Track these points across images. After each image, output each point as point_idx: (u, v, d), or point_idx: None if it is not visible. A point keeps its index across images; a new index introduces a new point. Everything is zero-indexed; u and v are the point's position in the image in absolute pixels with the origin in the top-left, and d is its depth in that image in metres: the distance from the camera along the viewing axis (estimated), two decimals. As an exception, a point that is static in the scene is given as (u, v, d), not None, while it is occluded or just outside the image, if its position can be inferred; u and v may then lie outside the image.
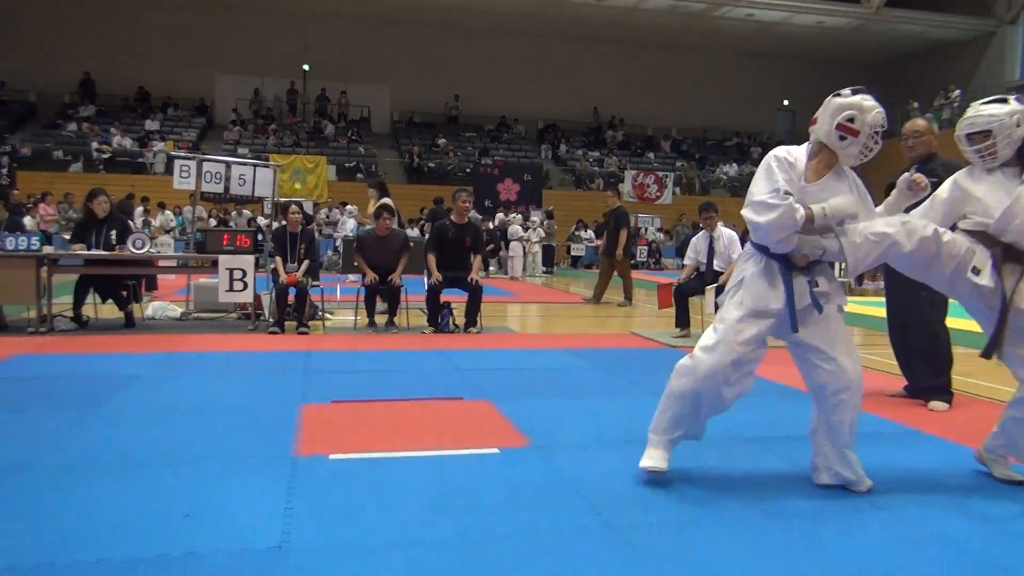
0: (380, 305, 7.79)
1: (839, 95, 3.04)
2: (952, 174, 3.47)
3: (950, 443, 3.84)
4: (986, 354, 3.11)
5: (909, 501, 2.95)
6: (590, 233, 21.98)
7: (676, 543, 2.52)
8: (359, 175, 23.73)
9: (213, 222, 17.54)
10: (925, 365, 4.73)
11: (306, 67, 26.86)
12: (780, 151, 3.02)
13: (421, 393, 4.69)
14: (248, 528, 2.55)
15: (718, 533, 2.61)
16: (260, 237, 10.51)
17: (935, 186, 3.27)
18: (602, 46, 28.36)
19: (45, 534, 2.48)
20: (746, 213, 2.99)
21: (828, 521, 2.74)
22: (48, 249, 7.54)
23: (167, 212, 18.03)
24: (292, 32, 26.07)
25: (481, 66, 27.75)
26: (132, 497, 2.82)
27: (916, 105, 24.20)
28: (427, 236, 8.96)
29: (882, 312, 5.31)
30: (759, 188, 2.95)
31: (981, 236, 3.08)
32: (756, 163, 28.31)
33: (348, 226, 15.90)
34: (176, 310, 8.22)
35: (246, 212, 17.44)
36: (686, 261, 7.74)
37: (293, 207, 7.76)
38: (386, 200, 9.03)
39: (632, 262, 21.11)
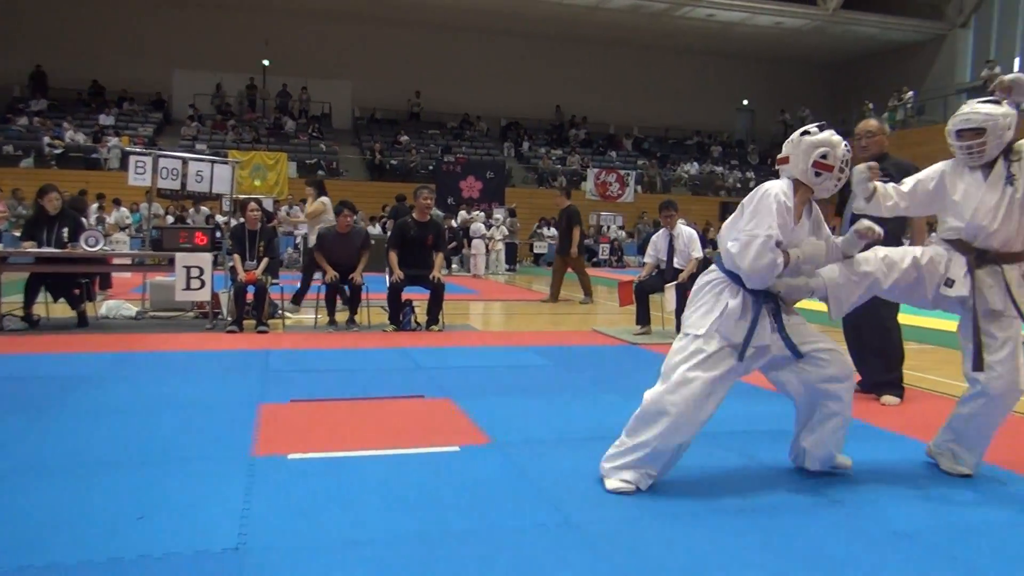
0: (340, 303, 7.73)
1: (808, 133, 3.06)
2: (904, 174, 3.56)
3: (902, 436, 3.93)
4: (977, 367, 3.15)
5: (863, 494, 3.02)
6: (553, 231, 22.02)
7: (634, 539, 2.55)
8: (320, 172, 23.49)
9: (171, 219, 17.23)
10: (878, 361, 4.84)
11: (266, 62, 26.49)
12: (780, 193, 2.94)
13: (382, 392, 4.67)
14: (204, 530, 2.52)
15: (675, 529, 2.64)
16: (218, 235, 10.36)
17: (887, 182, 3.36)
18: (565, 44, 28.45)
19: (-8, 539, 2.42)
20: (733, 248, 2.93)
21: (784, 515, 2.79)
22: (-3, 246, 7.34)
23: (123, 209, 17.67)
24: (252, 26, 25.70)
25: (444, 63, 27.64)
26: (84, 499, 2.77)
27: (871, 105, 24.68)
28: (389, 234, 8.91)
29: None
30: (751, 227, 2.89)
31: (957, 244, 3.19)
32: (716, 162, 28.80)
33: (309, 223, 15.73)
34: (131, 309, 8.06)
35: (204, 209, 17.17)
36: (646, 259, 7.81)
37: (252, 204, 7.66)
38: (324, 199, 8.94)
39: (594, 260, 21.41)
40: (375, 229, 17.17)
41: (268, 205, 13.13)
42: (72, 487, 2.90)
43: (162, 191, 8.34)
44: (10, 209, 16.49)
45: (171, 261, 7.04)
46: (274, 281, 7.63)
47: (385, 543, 2.46)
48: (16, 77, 23.83)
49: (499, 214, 19.46)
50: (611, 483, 2.99)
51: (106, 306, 8.00)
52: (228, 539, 2.44)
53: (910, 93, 24.67)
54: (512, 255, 19.21)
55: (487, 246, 17.05)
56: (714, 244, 15.81)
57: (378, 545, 2.44)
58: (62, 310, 7.54)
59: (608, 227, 22.88)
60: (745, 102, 31.81)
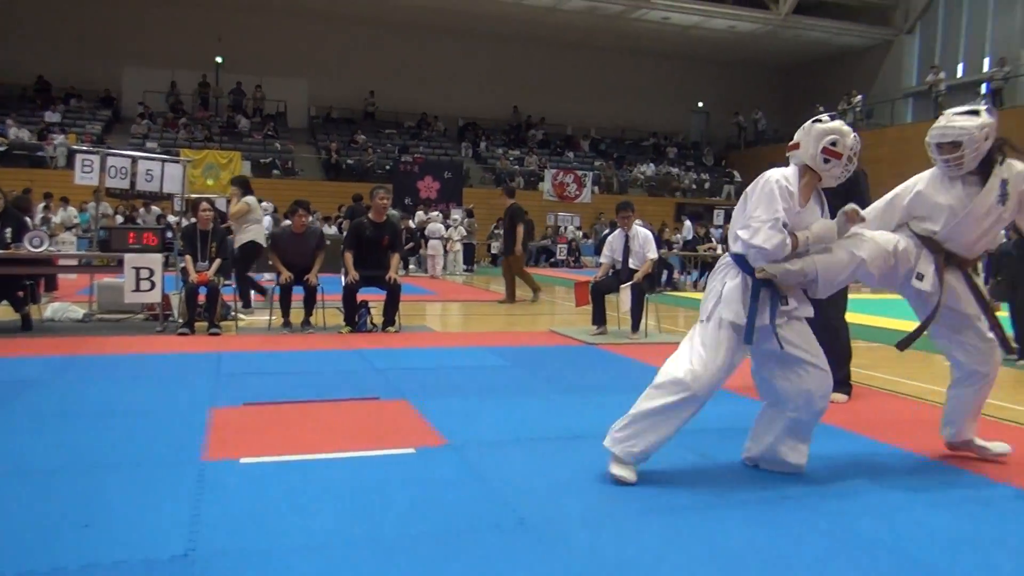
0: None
1: (820, 121, 3.17)
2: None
3: (849, 433, 4.02)
4: (901, 346, 3.41)
5: (811, 490, 3.08)
6: (510, 231, 22.06)
7: (590, 539, 2.56)
8: (275, 171, 23.19)
9: (120, 219, 16.84)
10: (826, 359, 4.93)
11: (219, 59, 26.06)
12: (782, 178, 3.07)
13: (337, 394, 4.63)
14: (152, 537, 2.47)
15: (629, 527, 2.67)
16: (170, 235, 10.17)
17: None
18: (522, 45, 28.52)
19: (-71, 550, 2.34)
20: (743, 234, 3.06)
21: (736, 512, 2.83)
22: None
23: (70, 208, 17.22)
24: (204, 23, 25.25)
25: (401, 62, 27.49)
26: (27, 507, 2.69)
27: (822, 109, 25.04)
28: (345, 234, 8.83)
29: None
30: (759, 213, 3.03)
31: (928, 241, 3.31)
32: (672, 163, 29.15)
33: (263, 223, 15.52)
34: (78, 311, 7.86)
35: (155, 209, 16.83)
36: (602, 259, 7.86)
37: (204, 204, 7.52)
38: (249, 199, 8.69)
39: (552, 260, 21.50)
40: (331, 229, 17.00)
41: (221, 205, 12.90)
42: (14, 494, 2.82)
43: (110, 190, 8.16)
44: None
45: (120, 262, 6.88)
46: (227, 282, 7.51)
47: (338, 547, 2.44)
48: (-43, 72, 23.11)
49: (457, 214, 19.42)
50: (616, 469, 3.08)
51: (51, 308, 7.79)
52: (177, 546, 2.40)
53: (859, 97, 25.26)
54: (470, 256, 19.19)
55: (445, 247, 17.00)
56: (669, 245, 16.01)
57: (331, 549, 2.42)
58: (5, 313, 7.32)
59: (565, 227, 22.98)
60: (700, 104, 32.24)
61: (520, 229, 10.50)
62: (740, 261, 3.13)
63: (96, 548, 2.37)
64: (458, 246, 18.02)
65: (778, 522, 2.75)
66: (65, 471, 3.10)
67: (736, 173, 28.85)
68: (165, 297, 7.29)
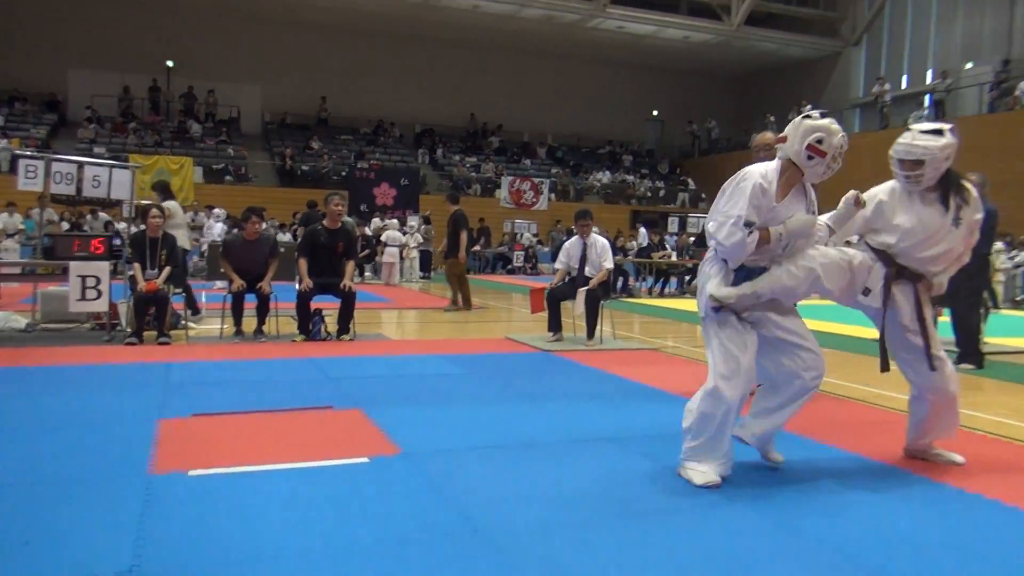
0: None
1: (809, 117, 3.22)
2: None
3: (797, 437, 4.09)
4: (884, 369, 3.47)
5: (761, 493, 3.13)
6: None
7: (542, 545, 2.57)
8: (228, 177, 22.84)
9: (66, 225, 16.41)
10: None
11: (170, 63, 25.60)
12: (758, 176, 3.15)
13: (289, 404, 4.57)
14: (96, 553, 2.40)
15: (583, 534, 2.68)
16: (118, 242, 9.94)
17: None
18: (479, 52, 28.58)
19: None
20: (710, 226, 3.21)
21: (686, 516, 2.86)
22: None
23: (16, 215, 16.73)
24: (154, 26, 24.79)
25: (357, 68, 27.34)
26: (-38, 526, 2.60)
27: (772, 118, 25.72)
28: (299, 241, 8.72)
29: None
30: (727, 208, 3.14)
31: (881, 255, 3.39)
32: (628, 171, 29.44)
33: (215, 230, 15.29)
34: (21, 321, 7.62)
35: (103, 215, 16.43)
36: (557, 265, 7.90)
37: (154, 211, 7.37)
38: (170, 203, 8.49)
39: (509, 267, 21.52)
40: (285, 236, 16.80)
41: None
42: (-51, 512, 2.72)
43: (56, 196, 7.94)
44: None
45: (65, 270, 6.71)
46: (177, 291, 7.37)
47: (289, 559, 2.40)
48: None
49: (413, 221, 19.32)
50: (696, 476, 3.19)
51: (-8, 318, 7.55)
52: (122, 562, 2.34)
53: (808, 106, 25.70)
54: (426, 263, 19.11)
55: (401, 254, 16.90)
56: (624, 252, 16.15)
57: (281, 561, 2.39)
58: (-57, 323, 7.08)
59: (522, 235, 23.05)
60: (655, 113, 32.66)
61: (463, 236, 10.50)
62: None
63: (36, 566, 2.30)
64: (414, 253, 17.94)
65: (728, 524, 2.79)
66: (5, 486, 3.01)
67: (690, 181, 29.27)
68: (112, 306, 7.12)
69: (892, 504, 3.06)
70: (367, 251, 16.62)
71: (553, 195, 25.48)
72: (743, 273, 3.20)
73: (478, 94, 29.15)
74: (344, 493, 3.01)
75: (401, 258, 16.51)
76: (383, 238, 16.65)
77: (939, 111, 21.26)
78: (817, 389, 3.38)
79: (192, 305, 8.44)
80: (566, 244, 7.84)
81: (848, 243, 3.54)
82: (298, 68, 26.60)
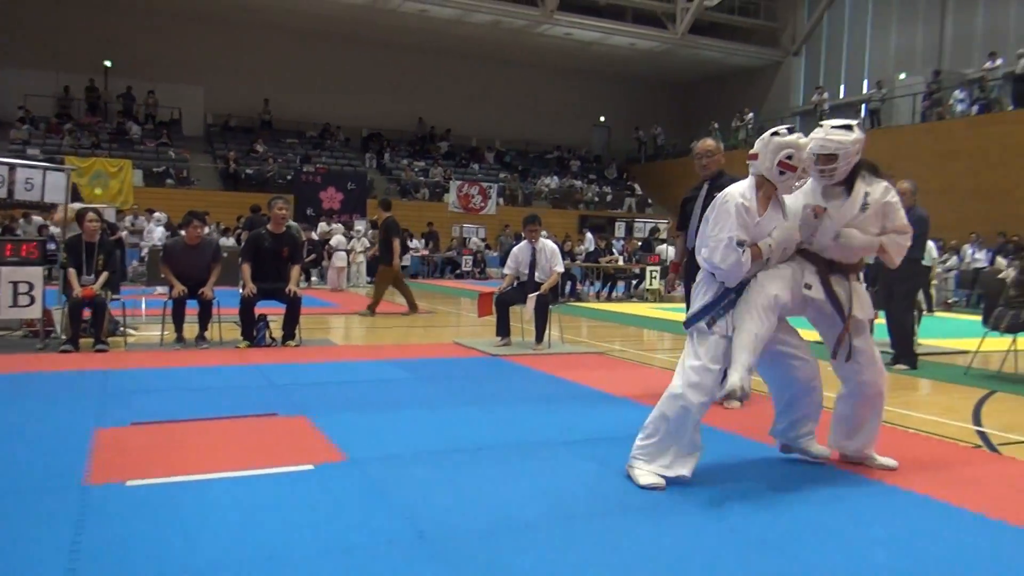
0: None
1: (777, 134, 3.35)
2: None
3: (743, 438, 4.18)
4: (834, 354, 3.57)
5: (705, 493, 3.18)
6: (416, 243, 21.97)
7: (488, 550, 2.57)
8: (169, 180, 22.32)
9: (-3, 229, 15.82)
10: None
11: (108, 63, 24.92)
12: (739, 196, 3.29)
13: (232, 411, 4.48)
14: (26, 568, 2.32)
15: (527, 537, 2.68)
16: (53, 247, 9.64)
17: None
18: (427, 56, 28.50)
19: None
20: (704, 253, 3.30)
21: (631, 517, 2.90)
22: None
23: (-58, 218, 16.08)
24: (91, 25, 24.12)
25: (303, 70, 27.01)
26: None
27: (716, 125, 26.23)
28: (242, 245, 8.57)
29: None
30: (716, 232, 3.25)
31: (807, 254, 3.49)
32: (575, 176, 29.68)
33: (155, 234, 14.94)
34: (-52, 328, 7.34)
35: (36, 219, 15.89)
36: (506, 271, 7.91)
37: (91, 214, 7.16)
38: (71, 204, 8.22)
39: (457, 272, 21.46)
40: (229, 241, 16.48)
41: (109, 216, 12.31)
42: None
43: (-15, 199, 7.65)
44: None
45: (-5, 276, 6.47)
46: (115, 296, 7.17)
47: (229, 570, 2.35)
48: None
49: (360, 226, 19.15)
50: (641, 476, 3.25)
51: (-82, 326, 7.25)
52: (54, 576, 2.26)
53: (750, 114, 26.45)
54: (374, 267, 18.92)
55: (348, 258, 16.73)
56: (572, 257, 16.27)
57: (221, 572, 2.34)
58: None
59: (470, 239, 23.04)
60: (602, 119, 33.00)
61: (396, 243, 10.44)
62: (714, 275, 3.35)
63: (-38, 583, 2.22)
64: (361, 258, 17.77)
65: (673, 525, 2.83)
66: (-71, 501, 2.88)
67: (637, 186, 29.64)
68: (47, 312, 6.90)
69: (829, 503, 3.14)
70: (313, 256, 16.41)
71: (501, 200, 25.55)
72: (731, 290, 3.30)
73: (426, 98, 29.07)
74: (288, 501, 2.97)
75: (348, 263, 16.35)
76: (331, 242, 16.47)
77: (875, 120, 21.94)
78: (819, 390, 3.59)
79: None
80: (514, 249, 7.86)
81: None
82: (242, 69, 26.16)
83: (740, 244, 3.20)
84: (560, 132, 31.49)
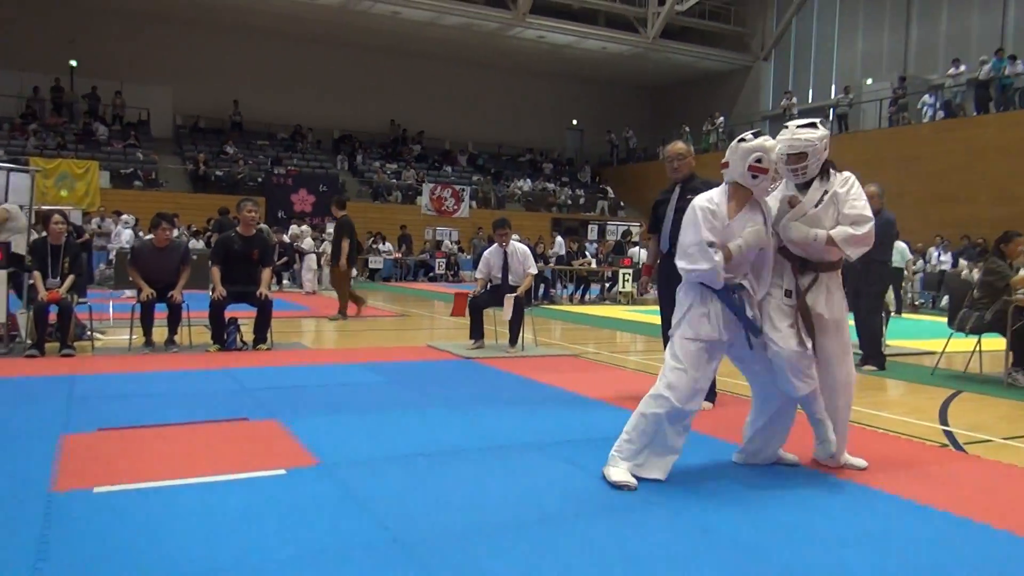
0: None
1: (744, 140, 3.39)
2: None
3: (713, 439, 4.21)
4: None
5: (677, 494, 3.20)
6: (388, 246, 21.88)
7: (461, 553, 2.56)
8: (137, 182, 22.01)
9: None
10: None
11: (73, 63, 24.50)
12: (703, 201, 3.35)
13: (202, 416, 4.42)
14: (-10, 577, 2.27)
15: (501, 540, 2.68)
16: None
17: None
18: (399, 58, 28.41)
19: None
20: (681, 263, 3.34)
21: (604, 519, 2.90)
22: None
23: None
24: (56, 24, 23.71)
25: (274, 71, 26.78)
26: None
27: (687, 129, 26.44)
28: (212, 248, 8.45)
29: (659, 320, 5.73)
30: (688, 240, 3.31)
31: (784, 252, 3.55)
32: (549, 179, 29.75)
33: (123, 237, 14.72)
34: (-92, 333, 7.15)
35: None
36: (478, 275, 7.89)
37: (56, 216, 7.04)
38: (6, 206, 8.01)
39: (431, 274, 21.41)
40: (198, 243, 16.29)
41: (76, 218, 12.11)
42: None
43: (-54, 201, 7.48)
44: None
45: (-43, 279, 6.33)
46: (81, 300, 7.06)
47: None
48: None
49: (331, 228, 19.01)
50: (613, 473, 3.28)
51: None
52: (19, 586, 2.22)
53: (721, 118, 26.71)
54: (346, 270, 18.82)
55: (320, 261, 16.61)
56: (545, 259, 16.29)
57: (193, 579, 2.31)
58: None
59: (444, 242, 22.99)
60: (575, 122, 33.12)
61: (345, 243, 10.35)
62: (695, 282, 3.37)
63: (-77, 593, 2.16)
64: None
65: (645, 526, 2.84)
66: None
67: (609, 189, 29.78)
68: (11, 316, 6.76)
69: (801, 502, 3.18)
70: (285, 259, 16.27)
71: (474, 202, 25.53)
72: (724, 292, 3.33)
73: (399, 100, 28.97)
74: (259, 507, 2.94)
75: (319, 266, 16.23)
76: (303, 246, 16.35)
77: (842, 125, 22.26)
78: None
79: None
80: (485, 253, 7.84)
81: None
82: (212, 70, 25.88)
83: (711, 245, 3.24)
84: (533, 135, 31.55)
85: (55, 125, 23.28)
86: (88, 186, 19.25)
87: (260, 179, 23.09)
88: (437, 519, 2.86)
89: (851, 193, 3.48)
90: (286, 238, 17.03)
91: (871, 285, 6.87)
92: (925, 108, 20.50)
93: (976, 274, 7.02)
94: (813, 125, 3.50)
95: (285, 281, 16.68)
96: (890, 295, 8.32)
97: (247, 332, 7.26)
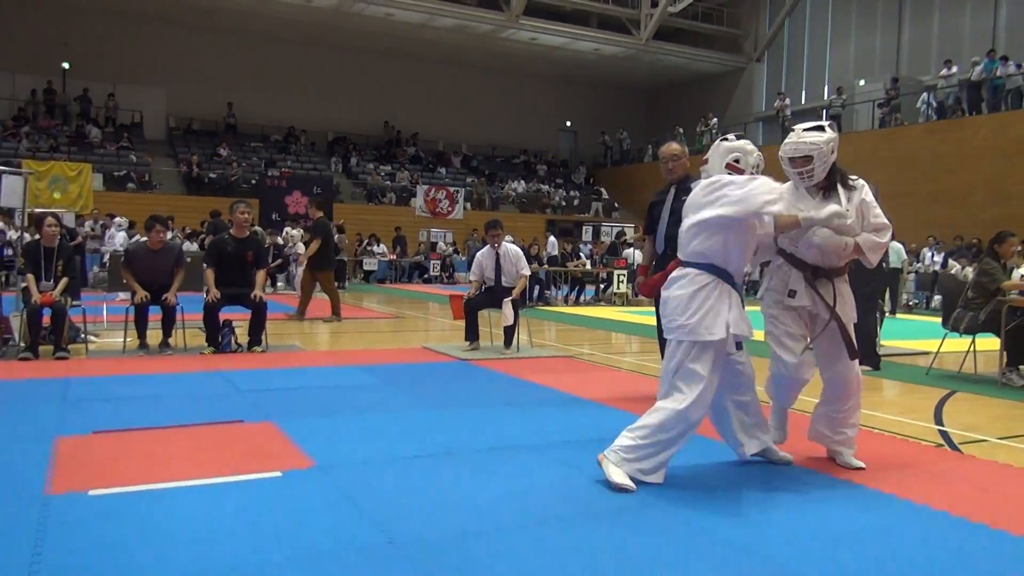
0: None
1: (727, 139, 3.42)
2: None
3: (707, 440, 4.21)
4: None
5: (672, 495, 3.20)
6: (383, 248, 21.85)
7: (459, 554, 2.56)
8: (130, 185, 21.95)
9: (-49, 235, 15.41)
10: None
11: (66, 65, 24.42)
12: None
13: (197, 418, 4.41)
14: (-16, 581, 2.26)
15: (498, 541, 2.68)
16: (10, 252, 9.42)
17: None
18: (393, 60, 28.40)
19: None
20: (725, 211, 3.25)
21: (601, 521, 2.90)
22: None
23: None
24: (48, 25, 23.64)
25: (267, 73, 26.74)
26: None
27: (681, 130, 26.50)
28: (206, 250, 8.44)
29: (655, 321, 5.74)
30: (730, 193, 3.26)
31: (792, 259, 3.49)
32: (543, 180, 29.76)
33: (117, 239, 14.67)
34: (-100, 336, 7.12)
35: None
36: (471, 277, 7.89)
37: (50, 219, 7.01)
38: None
39: (425, 276, 21.39)
40: (192, 246, 16.25)
41: (69, 220, 12.08)
42: None
43: (-61, 204, 7.46)
44: None
45: (-50, 282, 6.30)
46: (75, 303, 7.03)
47: (197, 579, 2.32)
48: None
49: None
50: (614, 474, 3.23)
51: None
52: (14, 589, 2.21)
53: (714, 119, 26.76)
54: (341, 272, 18.81)
55: (290, 261, 16.56)
56: (539, 261, 16.30)
57: (189, 582, 2.30)
58: None
59: (438, 243, 22.98)
60: (568, 123, 33.15)
61: (315, 244, 10.31)
62: (710, 269, 3.29)
63: (-83, 598, 2.15)
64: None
65: (642, 528, 2.84)
66: None
67: (603, 190, 29.81)
68: (4, 319, 6.73)
69: (797, 502, 3.19)
70: (279, 261, 16.24)
71: (469, 204, 25.52)
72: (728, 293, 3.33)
73: (392, 102, 28.96)
74: (255, 509, 2.93)
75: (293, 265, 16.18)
76: (297, 248, 16.31)
77: (835, 126, 22.29)
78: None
79: None
80: (478, 255, 7.83)
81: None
82: (205, 72, 25.83)
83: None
84: (527, 136, 31.57)
85: (48, 127, 23.20)
86: (81, 188, 19.12)
87: (254, 181, 23.05)
88: (434, 521, 2.85)
89: (871, 201, 3.51)
90: (280, 240, 17.01)
91: (866, 285, 6.88)
92: (922, 106, 20.56)
93: (970, 273, 7.04)
94: (821, 128, 3.49)
95: (279, 283, 16.65)
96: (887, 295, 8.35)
97: (242, 334, 7.24)
